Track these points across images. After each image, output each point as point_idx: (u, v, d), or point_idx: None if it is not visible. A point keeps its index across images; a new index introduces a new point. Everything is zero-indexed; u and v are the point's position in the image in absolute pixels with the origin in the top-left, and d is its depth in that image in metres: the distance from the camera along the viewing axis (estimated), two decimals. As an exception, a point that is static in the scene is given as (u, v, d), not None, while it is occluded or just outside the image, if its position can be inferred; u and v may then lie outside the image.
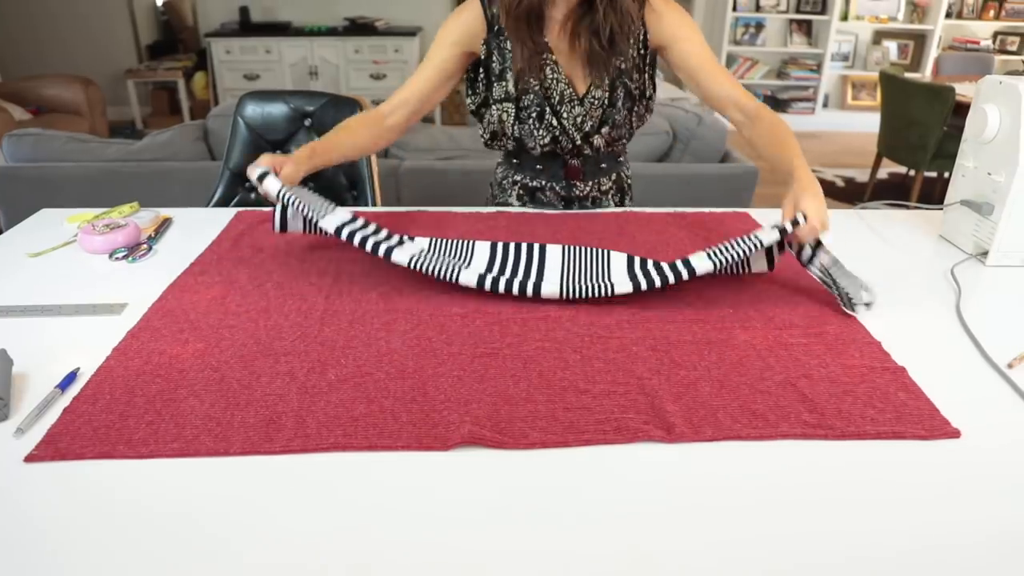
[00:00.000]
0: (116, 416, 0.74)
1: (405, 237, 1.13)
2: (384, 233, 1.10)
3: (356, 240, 1.03)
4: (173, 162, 2.48)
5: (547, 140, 1.32)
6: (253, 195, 1.84)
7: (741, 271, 1.08)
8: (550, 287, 0.99)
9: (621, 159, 1.45)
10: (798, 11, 5.73)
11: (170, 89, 5.93)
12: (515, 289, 0.99)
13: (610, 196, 1.45)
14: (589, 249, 1.15)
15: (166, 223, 1.31)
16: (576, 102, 1.28)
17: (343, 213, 1.09)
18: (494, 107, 1.30)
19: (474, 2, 1.25)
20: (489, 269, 1.06)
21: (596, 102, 1.28)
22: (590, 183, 1.41)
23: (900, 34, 5.88)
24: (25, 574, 0.56)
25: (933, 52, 5.73)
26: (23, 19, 5.63)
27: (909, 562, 0.59)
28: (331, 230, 1.04)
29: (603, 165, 1.40)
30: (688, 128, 2.57)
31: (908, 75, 3.93)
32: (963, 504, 0.65)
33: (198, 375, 0.82)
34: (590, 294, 0.99)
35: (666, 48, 1.27)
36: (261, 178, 1.06)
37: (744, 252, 0.98)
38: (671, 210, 1.40)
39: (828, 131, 5.92)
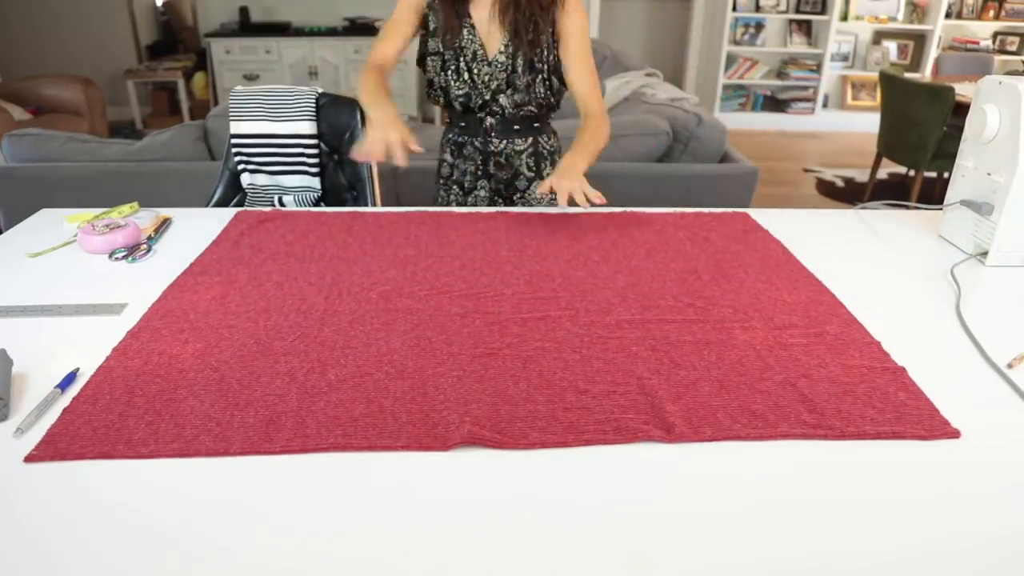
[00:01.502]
0: (116, 416, 0.74)
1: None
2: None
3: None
4: (173, 162, 2.48)
5: (463, 92, 1.52)
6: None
7: None
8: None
9: (537, 125, 1.60)
10: (798, 11, 5.73)
11: (170, 89, 5.93)
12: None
13: (523, 157, 1.60)
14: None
15: (166, 223, 1.30)
16: (484, 62, 1.49)
17: None
18: (429, 59, 1.53)
19: None
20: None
21: (500, 65, 1.48)
22: (504, 141, 1.57)
23: (900, 34, 5.88)
24: (25, 574, 0.56)
25: (933, 52, 5.73)
26: (23, 19, 5.62)
27: (909, 562, 0.59)
28: None
29: (516, 127, 1.56)
30: (688, 128, 2.57)
31: (908, 75, 3.93)
32: (963, 504, 0.65)
33: (198, 375, 0.82)
34: None
35: (562, 38, 1.48)
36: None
37: None
38: (671, 210, 1.40)
39: (828, 131, 5.92)
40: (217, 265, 1.12)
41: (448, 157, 1.66)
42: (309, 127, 1.76)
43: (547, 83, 1.51)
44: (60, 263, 1.14)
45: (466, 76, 1.51)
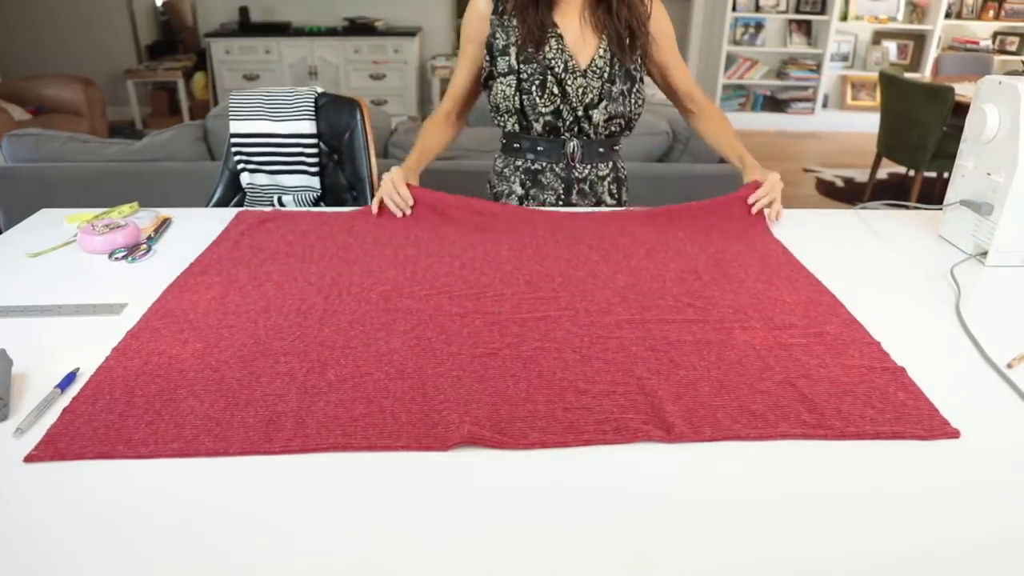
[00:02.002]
0: (116, 416, 0.74)
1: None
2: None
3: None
4: (173, 162, 2.48)
5: (550, 110, 1.39)
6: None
7: None
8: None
9: (617, 148, 1.51)
10: (798, 11, 5.74)
11: (170, 89, 5.93)
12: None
13: (607, 184, 1.50)
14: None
15: (166, 223, 1.30)
16: (579, 73, 1.37)
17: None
18: (499, 80, 1.39)
19: None
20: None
21: (596, 73, 1.38)
22: (588, 166, 1.47)
23: (900, 34, 5.88)
24: (25, 574, 0.56)
25: (933, 52, 5.73)
26: (23, 19, 5.62)
27: (908, 562, 0.59)
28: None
29: (600, 150, 1.47)
30: (687, 129, 2.57)
31: (908, 75, 3.93)
32: (962, 504, 0.65)
33: (198, 375, 0.82)
34: None
35: (655, 38, 1.42)
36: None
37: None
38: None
39: (828, 131, 5.92)
40: (217, 265, 1.12)
41: (518, 188, 1.50)
42: (309, 127, 1.76)
43: (639, 94, 1.43)
44: (60, 263, 1.14)
45: (555, 90, 1.37)
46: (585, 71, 1.37)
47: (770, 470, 0.69)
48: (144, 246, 1.18)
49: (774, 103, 6.07)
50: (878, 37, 5.92)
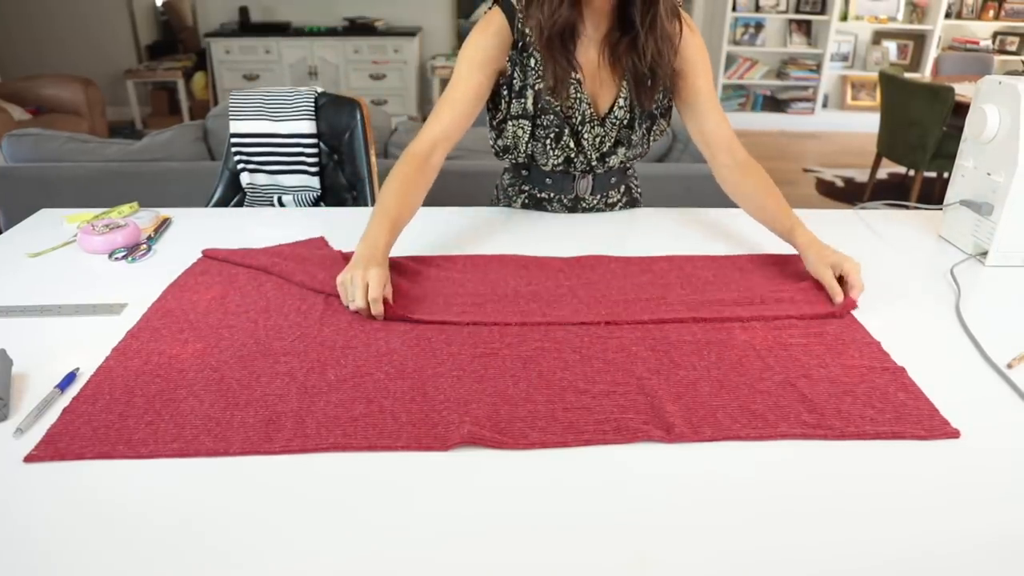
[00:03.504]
0: (116, 416, 0.74)
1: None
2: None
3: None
4: (172, 162, 2.48)
5: (560, 160, 1.29)
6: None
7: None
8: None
9: (630, 171, 1.43)
10: (798, 11, 5.73)
11: (170, 89, 5.93)
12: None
13: (618, 208, 1.42)
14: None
15: (165, 223, 1.30)
16: (596, 123, 1.25)
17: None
18: (510, 123, 1.25)
19: (499, 16, 1.18)
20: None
21: (616, 123, 1.25)
22: (598, 196, 1.38)
23: (899, 34, 5.88)
24: (25, 574, 0.56)
25: (933, 52, 5.73)
26: (23, 19, 5.62)
27: (908, 562, 0.59)
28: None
29: (613, 180, 1.37)
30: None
31: (908, 75, 3.93)
32: (962, 504, 0.65)
33: (198, 375, 0.82)
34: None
35: (680, 74, 1.23)
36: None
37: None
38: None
39: (828, 131, 5.92)
40: (217, 265, 1.12)
41: (519, 207, 1.42)
42: (308, 127, 1.76)
43: (659, 128, 1.29)
44: (60, 263, 1.14)
45: (571, 143, 1.25)
46: (603, 120, 1.24)
47: (770, 470, 0.69)
48: (144, 246, 1.18)
49: (774, 103, 6.07)
50: (878, 37, 5.92)
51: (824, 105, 6.08)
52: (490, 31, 1.18)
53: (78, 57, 5.74)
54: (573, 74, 1.19)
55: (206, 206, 1.84)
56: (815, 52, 5.86)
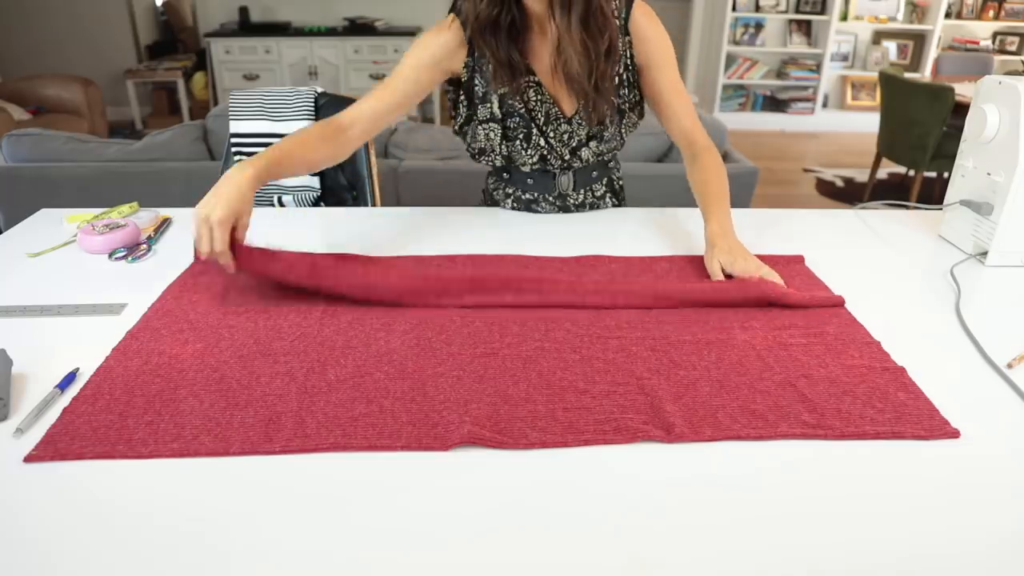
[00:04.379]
0: (115, 416, 0.74)
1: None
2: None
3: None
4: (172, 162, 2.48)
5: (536, 159, 1.31)
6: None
7: None
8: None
9: (611, 164, 1.44)
10: (798, 11, 5.74)
11: (170, 89, 5.93)
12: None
13: (606, 199, 1.44)
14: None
15: (166, 223, 1.30)
16: (563, 120, 1.27)
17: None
18: (480, 127, 1.28)
19: (454, 22, 1.21)
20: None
21: (583, 122, 1.26)
22: (583, 191, 1.39)
23: (899, 34, 5.88)
24: (25, 574, 0.56)
25: (932, 52, 5.73)
26: (23, 19, 5.62)
27: (908, 562, 0.59)
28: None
29: (594, 173, 1.39)
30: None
31: (907, 75, 3.93)
32: (962, 504, 0.65)
33: (197, 375, 0.82)
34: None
35: (643, 69, 1.25)
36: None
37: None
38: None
39: (827, 131, 5.92)
40: (217, 265, 1.11)
41: (510, 209, 1.43)
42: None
43: (631, 121, 1.31)
44: (60, 263, 1.14)
45: (541, 142, 1.28)
46: (570, 119, 1.27)
47: (770, 470, 0.69)
48: (144, 246, 1.18)
49: (774, 103, 6.07)
50: (878, 37, 5.92)
51: (824, 105, 6.08)
52: (442, 36, 1.21)
53: (78, 57, 5.74)
54: (532, 78, 1.23)
55: (268, 149, 1.83)
56: (815, 52, 5.86)
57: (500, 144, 1.29)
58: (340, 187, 1.83)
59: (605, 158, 1.38)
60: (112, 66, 5.82)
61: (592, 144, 1.30)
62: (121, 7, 5.79)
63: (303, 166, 1.13)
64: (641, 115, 1.33)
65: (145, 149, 2.50)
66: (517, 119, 1.26)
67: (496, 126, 1.27)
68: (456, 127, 1.32)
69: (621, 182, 1.49)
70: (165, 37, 6.63)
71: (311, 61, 5.63)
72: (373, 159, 1.82)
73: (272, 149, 1.07)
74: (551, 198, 1.38)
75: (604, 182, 1.42)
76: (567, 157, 1.31)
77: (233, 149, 1.78)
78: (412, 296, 0.99)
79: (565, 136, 1.28)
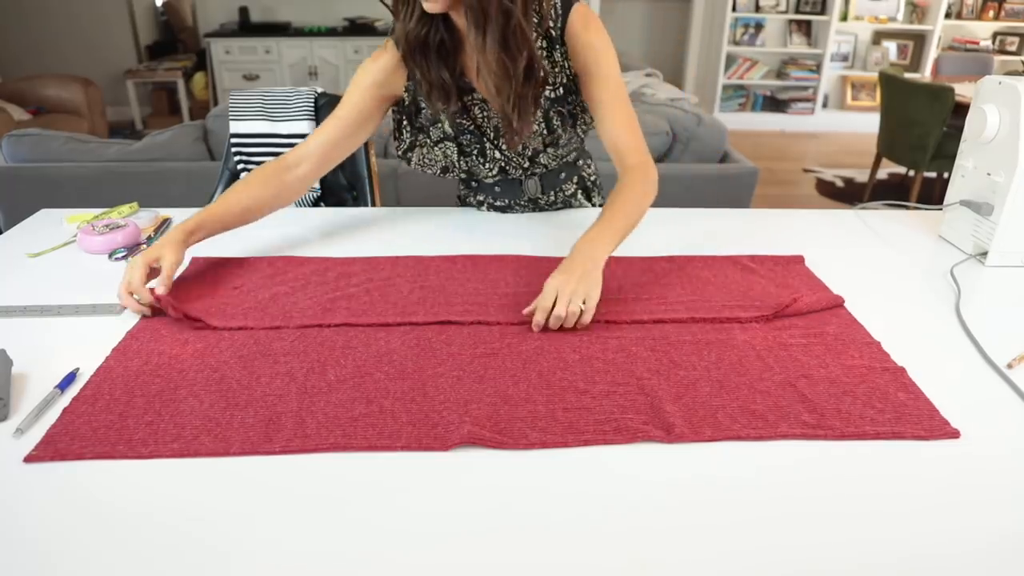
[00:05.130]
0: (115, 416, 0.74)
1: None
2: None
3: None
4: (172, 162, 2.48)
5: (495, 170, 1.30)
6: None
7: None
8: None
9: (579, 162, 1.42)
10: (797, 11, 5.74)
11: (170, 89, 5.93)
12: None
13: (579, 196, 1.43)
14: None
15: (165, 223, 1.30)
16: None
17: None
18: (436, 148, 1.26)
19: (391, 47, 1.18)
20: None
21: (535, 133, 1.23)
22: (552, 192, 1.38)
23: (899, 34, 5.88)
24: (25, 574, 0.56)
25: (932, 52, 5.73)
26: (23, 19, 5.62)
27: (908, 562, 0.59)
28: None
29: (562, 175, 1.37)
30: (688, 128, 2.57)
31: (908, 75, 3.93)
32: (962, 505, 0.65)
33: (197, 375, 0.82)
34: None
35: (580, 76, 1.19)
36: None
37: None
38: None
39: (827, 131, 5.92)
40: (214, 265, 1.12)
41: (486, 212, 1.42)
42: (308, 127, 1.76)
43: (584, 121, 1.27)
44: (60, 263, 1.14)
45: (496, 154, 1.27)
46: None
47: (770, 470, 0.69)
48: (144, 246, 1.18)
49: (774, 103, 6.07)
50: (878, 37, 5.92)
51: (824, 105, 6.08)
52: (381, 60, 1.19)
53: (78, 57, 5.74)
54: (475, 95, 1.20)
55: (205, 206, 1.84)
56: (815, 52, 5.86)
57: (458, 160, 1.28)
58: (340, 187, 1.83)
59: (569, 159, 1.37)
60: (112, 66, 5.82)
61: (549, 150, 1.29)
62: (121, 7, 5.79)
63: (240, 216, 1.14)
64: (586, 118, 1.28)
65: (145, 149, 2.50)
66: (468, 136, 1.25)
67: (451, 144, 1.25)
68: (399, 152, 1.29)
69: (594, 177, 1.47)
70: (165, 37, 6.62)
71: (311, 61, 5.63)
72: (373, 159, 1.82)
73: (205, 208, 1.10)
74: (522, 202, 1.39)
75: (575, 180, 1.41)
76: (526, 165, 1.30)
77: (233, 149, 1.78)
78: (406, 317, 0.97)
79: (520, 147, 1.26)
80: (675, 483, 0.67)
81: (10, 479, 0.66)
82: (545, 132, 1.24)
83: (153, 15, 6.54)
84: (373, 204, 1.83)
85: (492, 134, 1.25)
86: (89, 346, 0.88)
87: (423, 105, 1.22)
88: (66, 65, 5.59)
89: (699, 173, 2.50)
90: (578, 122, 1.26)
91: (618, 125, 1.18)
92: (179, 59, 6.00)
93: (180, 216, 1.34)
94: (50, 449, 0.69)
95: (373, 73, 1.19)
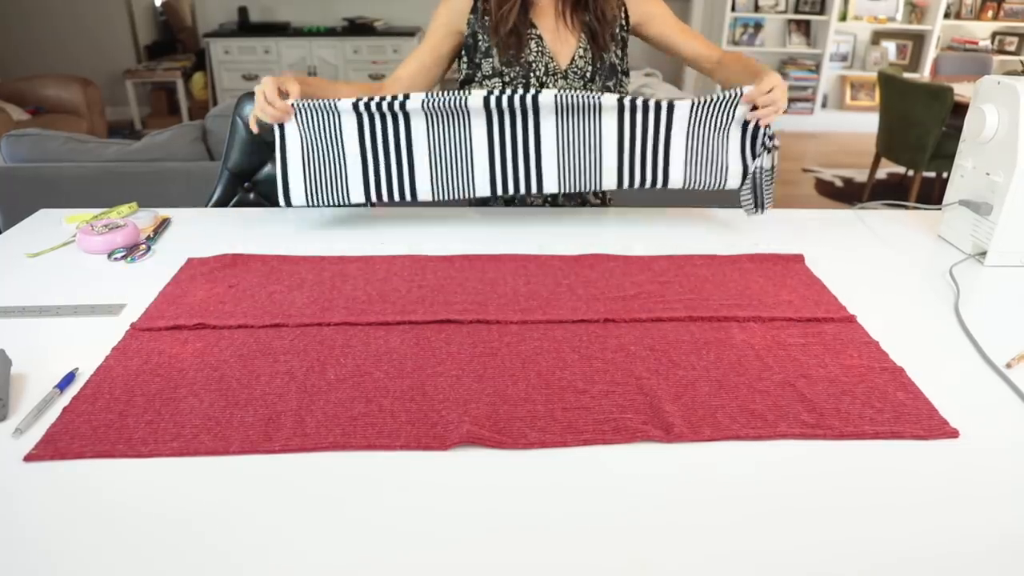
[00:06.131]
0: (115, 415, 0.74)
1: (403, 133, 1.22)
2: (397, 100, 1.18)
3: (374, 107, 1.17)
4: (172, 162, 2.48)
5: None
6: (252, 195, 1.84)
7: (717, 179, 1.21)
8: (549, 172, 1.15)
9: None
10: (797, 11, 5.74)
11: (169, 89, 5.92)
12: (520, 184, 1.16)
13: (592, 195, 1.50)
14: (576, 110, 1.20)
15: (165, 223, 1.30)
16: (560, 75, 1.35)
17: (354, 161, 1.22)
18: (485, 84, 1.36)
19: None
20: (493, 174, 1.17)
21: (578, 73, 1.35)
22: None
23: (899, 34, 5.88)
24: (25, 573, 0.56)
25: (932, 52, 5.73)
26: (22, 19, 5.62)
27: (908, 563, 0.59)
28: (349, 108, 1.18)
29: None
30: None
31: (907, 75, 3.94)
32: (961, 504, 0.65)
33: (197, 374, 0.82)
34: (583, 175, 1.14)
35: (643, 24, 1.39)
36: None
37: (720, 112, 1.18)
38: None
39: (827, 131, 5.92)
40: (213, 265, 1.11)
41: (499, 201, 1.50)
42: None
43: (622, 88, 1.42)
44: (59, 263, 1.14)
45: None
46: (566, 72, 1.35)
47: (769, 470, 0.69)
48: (143, 246, 1.18)
49: (773, 103, 6.06)
50: (877, 37, 5.92)
51: (823, 105, 6.08)
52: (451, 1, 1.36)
53: (77, 57, 5.73)
54: (533, 30, 1.33)
55: (205, 206, 1.84)
56: (814, 52, 5.86)
57: None
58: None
59: None
60: (111, 66, 5.82)
61: None
62: (120, 7, 5.78)
63: (351, 87, 1.32)
64: (626, 87, 1.43)
65: (144, 149, 2.50)
66: (517, 70, 1.34)
67: (498, 81, 1.35)
68: (458, 83, 1.41)
69: None
70: (164, 37, 6.62)
71: (310, 61, 5.63)
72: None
73: (316, 78, 1.29)
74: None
75: None
76: None
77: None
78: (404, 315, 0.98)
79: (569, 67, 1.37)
80: (674, 483, 0.67)
81: (10, 479, 0.66)
82: (588, 76, 1.36)
83: (152, 15, 6.54)
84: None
85: (541, 70, 1.35)
86: (88, 346, 0.88)
87: (480, 39, 1.35)
88: (65, 65, 5.59)
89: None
90: (616, 80, 1.39)
91: (694, 42, 1.41)
92: (178, 59, 6.00)
93: (180, 216, 1.34)
94: (50, 448, 0.69)
95: (445, 14, 1.37)
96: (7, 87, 4.59)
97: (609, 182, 1.23)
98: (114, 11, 5.77)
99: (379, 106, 1.18)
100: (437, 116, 1.19)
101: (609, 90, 1.38)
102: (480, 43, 1.35)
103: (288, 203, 1.22)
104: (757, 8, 5.70)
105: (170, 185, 2.45)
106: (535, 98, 1.17)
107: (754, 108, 1.18)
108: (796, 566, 0.58)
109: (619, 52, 1.39)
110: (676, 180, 1.23)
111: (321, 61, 5.63)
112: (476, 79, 1.37)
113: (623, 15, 1.37)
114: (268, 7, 5.88)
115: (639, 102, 1.19)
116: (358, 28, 5.66)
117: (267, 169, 1.84)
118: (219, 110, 2.55)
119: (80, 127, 4.40)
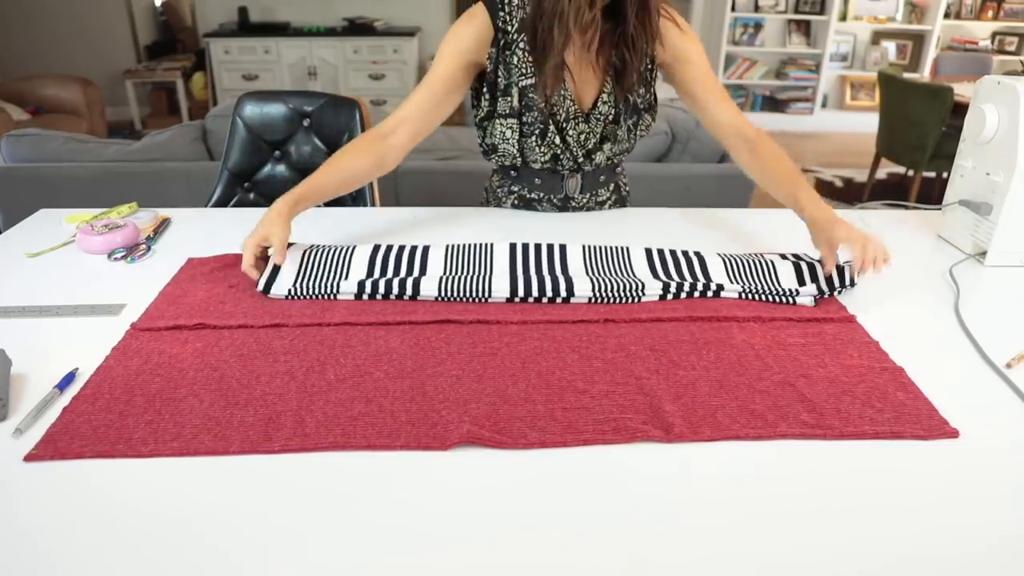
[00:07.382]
0: (115, 415, 0.74)
1: (418, 259, 1.10)
2: (404, 265, 1.08)
3: (380, 289, 1.00)
4: (172, 162, 2.48)
5: (547, 158, 1.30)
6: (252, 195, 1.84)
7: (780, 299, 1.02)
8: (582, 288, 1.00)
9: (618, 170, 1.44)
10: (797, 11, 5.74)
11: (169, 89, 5.92)
12: (546, 291, 1.00)
13: (607, 206, 1.44)
14: (604, 250, 1.14)
15: (165, 223, 1.30)
16: (581, 119, 1.26)
17: (359, 264, 1.08)
18: (498, 122, 1.26)
19: (482, 11, 1.19)
20: (514, 289, 1.00)
21: (601, 118, 1.26)
22: (589, 194, 1.39)
23: (899, 34, 5.88)
24: (25, 573, 0.56)
25: (932, 52, 5.73)
26: (22, 19, 5.62)
27: (908, 563, 0.59)
28: (352, 290, 1.01)
29: (602, 178, 1.38)
30: (687, 129, 2.57)
31: (907, 75, 3.94)
32: (961, 504, 0.65)
33: (197, 374, 0.82)
34: (618, 294, 0.99)
35: (672, 66, 1.26)
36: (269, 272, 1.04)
37: (780, 293, 1.02)
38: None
39: (827, 131, 5.92)
40: (212, 265, 1.11)
41: (509, 208, 1.42)
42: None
43: (644, 123, 1.30)
44: (59, 263, 1.14)
45: (556, 140, 1.26)
46: (588, 115, 1.26)
47: (769, 470, 0.69)
48: (143, 246, 1.18)
49: (773, 103, 6.07)
50: (877, 37, 5.92)
51: (823, 105, 6.08)
52: (473, 24, 1.20)
53: (77, 57, 5.74)
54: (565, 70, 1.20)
55: (205, 206, 1.84)
56: (814, 52, 5.86)
57: (516, 140, 1.27)
58: (339, 187, 1.83)
59: (614, 161, 1.37)
60: (111, 66, 5.82)
61: (606, 147, 1.30)
62: (120, 7, 5.78)
63: (341, 186, 1.18)
64: (654, 118, 1.33)
65: (144, 149, 2.50)
66: (536, 114, 1.24)
67: (515, 121, 1.25)
68: (477, 119, 1.31)
69: (627, 188, 1.49)
70: (164, 37, 6.62)
71: (310, 61, 5.63)
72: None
73: (306, 180, 1.13)
74: (555, 199, 1.38)
75: (611, 188, 1.42)
76: (580, 159, 1.30)
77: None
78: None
79: (582, 137, 1.27)
80: (674, 483, 0.67)
81: (10, 479, 0.66)
82: (611, 119, 1.26)
83: (152, 15, 6.54)
84: (372, 204, 1.83)
85: (561, 116, 1.25)
86: (88, 346, 0.88)
87: (500, 75, 1.23)
88: (65, 65, 5.59)
89: (698, 173, 2.50)
90: (640, 121, 1.30)
91: (726, 106, 1.25)
92: (178, 59, 6.00)
93: (179, 216, 1.34)
94: (50, 448, 0.69)
95: (466, 40, 1.20)
96: (7, 87, 4.59)
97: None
98: (114, 11, 5.77)
99: (394, 261, 1.08)
100: (457, 255, 1.11)
101: (629, 131, 1.29)
102: (500, 80, 1.23)
103: (266, 293, 1.02)
104: (757, 8, 5.70)
105: (170, 185, 2.45)
106: (563, 250, 1.11)
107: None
108: (796, 566, 0.58)
109: (643, 90, 1.27)
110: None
111: (321, 61, 5.63)
112: (493, 116, 1.27)
113: (655, 48, 1.23)
114: (268, 7, 5.88)
115: (674, 280, 1.04)
116: (358, 28, 5.66)
117: (267, 169, 1.84)
118: (219, 110, 2.55)
119: (80, 127, 4.40)
